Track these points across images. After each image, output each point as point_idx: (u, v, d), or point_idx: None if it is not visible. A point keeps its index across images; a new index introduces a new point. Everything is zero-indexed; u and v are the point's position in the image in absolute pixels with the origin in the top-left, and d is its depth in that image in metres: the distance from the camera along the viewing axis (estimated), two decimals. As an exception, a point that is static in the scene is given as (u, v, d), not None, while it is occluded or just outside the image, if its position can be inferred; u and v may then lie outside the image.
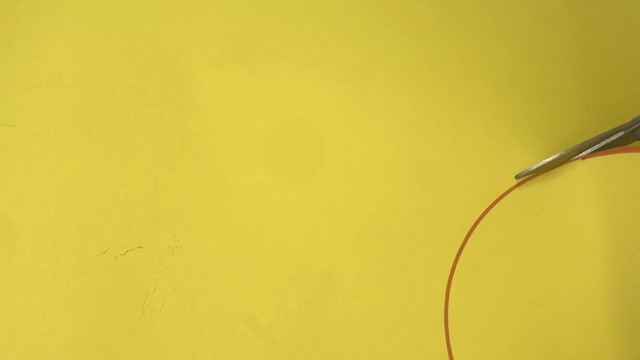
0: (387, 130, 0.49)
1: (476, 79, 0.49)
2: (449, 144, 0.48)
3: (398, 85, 0.50)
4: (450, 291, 0.45)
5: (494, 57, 0.50)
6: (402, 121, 0.49)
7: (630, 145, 0.46)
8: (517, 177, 0.46)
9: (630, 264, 0.43)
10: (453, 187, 0.47)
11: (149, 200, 0.48)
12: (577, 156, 0.46)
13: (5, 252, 0.48)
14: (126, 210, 0.48)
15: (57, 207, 0.49)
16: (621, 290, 0.43)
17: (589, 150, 0.46)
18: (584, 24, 0.50)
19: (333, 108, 0.50)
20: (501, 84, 0.49)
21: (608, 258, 0.44)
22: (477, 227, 0.46)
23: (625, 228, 0.44)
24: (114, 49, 0.51)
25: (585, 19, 0.50)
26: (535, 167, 0.45)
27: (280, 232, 0.47)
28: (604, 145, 0.46)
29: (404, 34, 0.50)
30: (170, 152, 0.49)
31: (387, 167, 0.48)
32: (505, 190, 0.47)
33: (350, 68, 0.50)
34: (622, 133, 0.45)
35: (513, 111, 0.49)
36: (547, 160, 0.44)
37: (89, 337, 0.46)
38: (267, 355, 0.45)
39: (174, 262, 0.47)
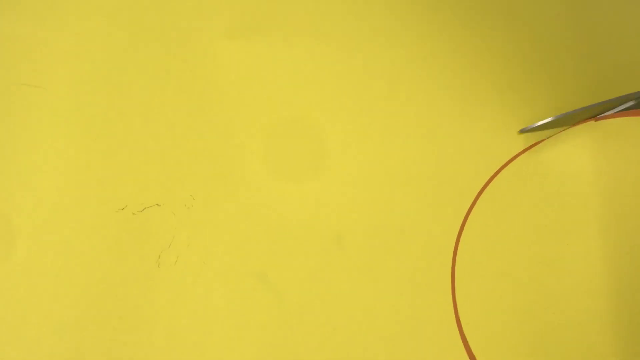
0: (399, 96, 0.50)
1: (481, 42, 0.50)
2: (458, 107, 0.49)
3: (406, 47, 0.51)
4: (458, 251, 0.45)
5: (498, 20, 0.50)
6: (412, 85, 0.50)
7: (644, 110, 0.46)
8: (520, 132, 0.46)
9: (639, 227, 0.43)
10: (462, 150, 0.48)
11: (167, 161, 0.50)
12: (588, 118, 0.46)
13: (30, 203, 0.50)
14: (145, 170, 0.50)
15: (79, 164, 0.51)
16: (626, 252, 0.43)
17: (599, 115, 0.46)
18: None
19: (342, 78, 0.51)
20: (509, 51, 0.50)
21: (616, 220, 0.44)
22: (487, 189, 0.46)
23: (636, 193, 0.44)
24: (137, 18, 0.54)
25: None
26: (539, 123, 0.45)
27: (292, 195, 0.48)
28: (615, 112, 0.45)
29: (406, 31, 0.52)
30: (189, 115, 0.51)
31: (398, 129, 0.49)
32: (515, 153, 0.47)
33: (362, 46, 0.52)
34: (632, 103, 0.45)
35: (521, 73, 0.49)
36: (553, 118, 0.45)
37: (105, 288, 0.48)
38: (275, 308, 0.46)
39: (189, 219, 0.49)
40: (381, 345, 0.44)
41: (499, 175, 0.46)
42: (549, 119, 0.45)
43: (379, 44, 0.51)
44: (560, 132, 0.46)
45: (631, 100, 0.45)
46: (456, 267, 0.45)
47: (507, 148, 0.47)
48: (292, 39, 0.52)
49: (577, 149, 0.46)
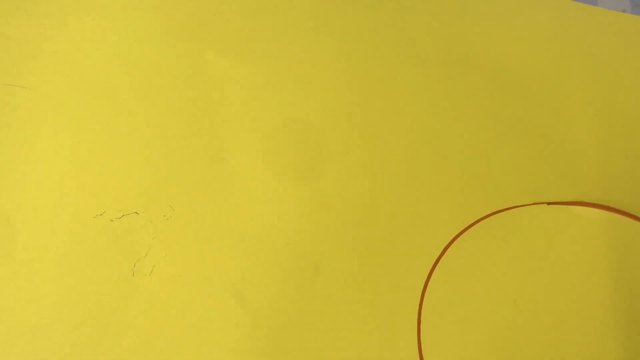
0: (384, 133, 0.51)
1: (478, 96, 0.51)
2: (445, 150, 0.50)
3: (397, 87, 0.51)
4: (426, 293, 0.46)
5: (497, 77, 0.52)
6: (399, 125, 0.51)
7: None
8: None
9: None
10: (437, 202, 0.49)
11: (149, 170, 0.50)
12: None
13: (8, 205, 0.49)
14: (126, 177, 0.50)
15: (60, 167, 0.50)
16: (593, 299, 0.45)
17: None
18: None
19: (331, 106, 0.51)
20: (504, 88, 0.51)
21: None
22: (460, 237, 0.47)
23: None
24: (131, 22, 0.53)
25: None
26: None
27: (274, 217, 0.49)
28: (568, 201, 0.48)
29: (403, 40, 0.53)
30: (175, 126, 0.51)
31: (382, 167, 0.50)
32: (492, 211, 0.48)
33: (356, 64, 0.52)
34: None
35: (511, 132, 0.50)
36: None
37: (80, 292, 0.47)
38: (249, 327, 0.46)
39: (167, 230, 0.49)
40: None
41: (472, 228, 0.48)
42: None
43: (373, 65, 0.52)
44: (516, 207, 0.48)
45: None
46: (423, 305, 0.46)
47: (486, 203, 0.48)
48: (282, 61, 0.52)
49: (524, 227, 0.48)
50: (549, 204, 0.47)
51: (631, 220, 0.46)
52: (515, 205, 0.48)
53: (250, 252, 0.48)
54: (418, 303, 0.46)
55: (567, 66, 0.51)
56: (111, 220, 0.49)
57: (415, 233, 0.48)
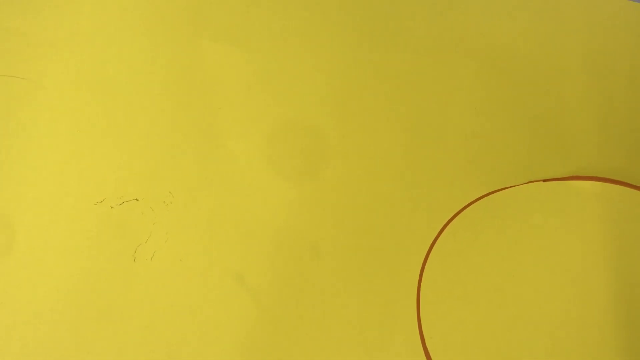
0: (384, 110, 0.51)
1: (471, 80, 0.52)
2: (440, 133, 0.50)
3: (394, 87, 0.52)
4: (424, 271, 0.47)
5: (490, 60, 0.52)
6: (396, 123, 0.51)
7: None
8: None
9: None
10: (433, 185, 0.49)
11: (148, 157, 0.50)
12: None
13: (9, 193, 0.49)
14: (125, 164, 0.50)
15: (60, 156, 0.51)
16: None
17: None
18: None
19: (327, 97, 0.52)
20: (496, 84, 0.51)
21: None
22: (452, 223, 0.48)
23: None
24: (126, 12, 0.54)
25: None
26: None
27: (272, 200, 0.49)
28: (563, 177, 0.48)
29: (402, 37, 0.53)
30: (173, 113, 0.51)
31: (378, 151, 0.50)
32: (481, 194, 0.49)
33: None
34: None
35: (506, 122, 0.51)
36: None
37: (83, 279, 0.48)
38: (251, 309, 0.47)
39: (167, 216, 0.49)
40: (351, 353, 0.46)
41: (469, 207, 0.48)
42: None
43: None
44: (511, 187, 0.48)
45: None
46: (422, 280, 0.47)
47: (477, 188, 0.49)
48: (277, 50, 0.53)
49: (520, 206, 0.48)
50: (544, 181, 0.48)
51: (626, 189, 0.47)
52: (512, 185, 0.48)
53: (250, 235, 0.48)
54: (417, 281, 0.46)
55: (558, 47, 0.51)
56: (111, 207, 0.49)
57: (412, 214, 0.48)
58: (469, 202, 0.48)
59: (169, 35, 0.53)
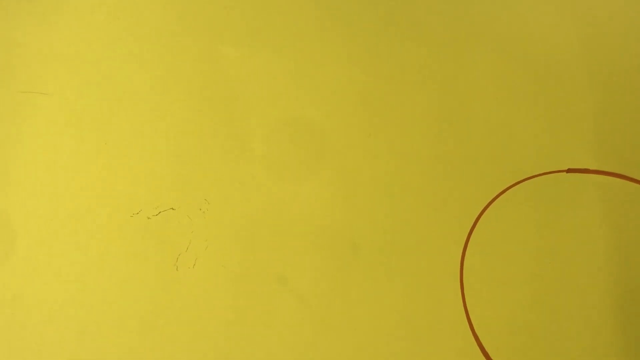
0: (408, 102, 0.52)
1: (489, 56, 0.53)
2: (464, 126, 0.51)
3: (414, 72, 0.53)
4: (466, 254, 0.48)
5: (503, 40, 0.53)
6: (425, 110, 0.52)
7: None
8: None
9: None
10: (462, 177, 0.50)
11: (179, 165, 0.51)
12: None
13: (45, 210, 0.49)
14: (156, 174, 0.50)
15: (89, 170, 0.51)
16: (622, 254, 0.47)
17: None
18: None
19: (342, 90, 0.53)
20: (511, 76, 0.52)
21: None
22: (498, 199, 0.49)
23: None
24: (143, 20, 0.54)
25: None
26: None
27: (307, 201, 0.50)
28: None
29: (409, 37, 0.54)
30: (199, 120, 0.52)
31: (407, 147, 0.51)
32: (509, 184, 0.50)
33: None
34: None
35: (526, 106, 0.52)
36: None
37: (125, 291, 0.48)
38: (296, 309, 0.47)
39: (204, 223, 0.49)
40: (400, 345, 0.47)
41: (510, 189, 0.49)
42: None
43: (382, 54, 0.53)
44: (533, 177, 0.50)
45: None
46: (464, 269, 0.48)
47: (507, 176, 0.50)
48: (293, 54, 0.53)
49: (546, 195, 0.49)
50: (567, 171, 0.49)
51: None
52: (535, 174, 0.49)
53: (288, 236, 0.49)
54: (458, 269, 0.47)
55: (573, 36, 0.53)
56: (148, 218, 0.49)
57: (444, 206, 0.49)
58: (498, 192, 0.49)
59: (186, 42, 0.54)
